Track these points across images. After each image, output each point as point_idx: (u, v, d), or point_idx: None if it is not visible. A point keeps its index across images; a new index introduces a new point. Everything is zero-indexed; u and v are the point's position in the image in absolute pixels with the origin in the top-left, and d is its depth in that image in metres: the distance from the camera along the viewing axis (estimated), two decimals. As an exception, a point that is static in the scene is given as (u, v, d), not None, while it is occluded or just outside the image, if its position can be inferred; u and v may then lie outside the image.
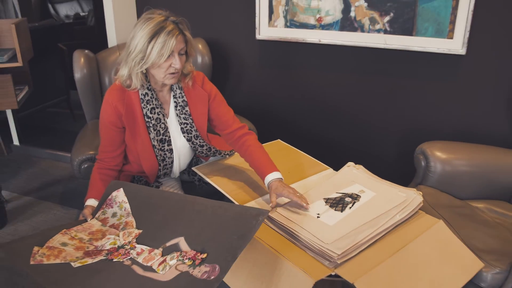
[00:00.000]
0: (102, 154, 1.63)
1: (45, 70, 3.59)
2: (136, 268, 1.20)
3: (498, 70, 2.05)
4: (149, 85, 1.58)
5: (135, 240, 1.32)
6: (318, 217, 1.38)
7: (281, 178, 1.51)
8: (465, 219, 1.70)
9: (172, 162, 1.71)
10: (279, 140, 2.03)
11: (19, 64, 2.33)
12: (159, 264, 1.19)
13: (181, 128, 1.68)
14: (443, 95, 2.19)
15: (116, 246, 1.31)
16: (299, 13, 2.29)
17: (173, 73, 1.51)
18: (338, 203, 1.44)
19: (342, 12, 2.20)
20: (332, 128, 2.52)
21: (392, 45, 2.15)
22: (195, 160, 1.88)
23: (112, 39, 2.66)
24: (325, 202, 1.46)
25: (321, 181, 1.64)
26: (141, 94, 1.57)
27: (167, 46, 1.43)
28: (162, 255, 1.22)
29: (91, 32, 4.78)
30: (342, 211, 1.40)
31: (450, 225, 1.60)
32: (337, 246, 1.22)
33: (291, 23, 2.33)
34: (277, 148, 1.94)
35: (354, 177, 1.62)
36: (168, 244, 1.25)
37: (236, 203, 1.51)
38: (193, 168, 1.77)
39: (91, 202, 1.55)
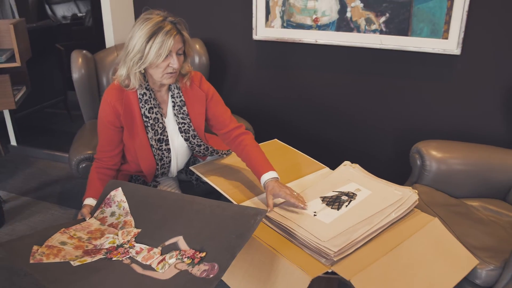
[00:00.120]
0: (100, 153, 1.64)
1: (42, 70, 3.59)
2: (135, 266, 1.21)
3: (493, 70, 2.07)
4: (147, 85, 1.59)
5: (134, 239, 1.32)
6: (314, 215, 1.39)
7: (277, 178, 1.51)
8: (460, 217, 1.72)
9: (169, 161, 1.72)
10: (276, 139, 2.04)
11: (17, 64, 2.33)
12: (158, 263, 1.20)
13: (179, 128, 1.69)
14: (438, 95, 2.21)
15: (115, 245, 1.32)
16: (296, 14, 2.31)
17: (171, 73, 1.52)
18: (334, 202, 1.46)
19: (338, 12, 2.22)
20: (329, 127, 2.54)
21: (387, 46, 2.17)
22: (192, 159, 1.89)
23: (109, 40, 2.67)
24: (322, 200, 1.47)
25: (318, 180, 1.65)
26: (140, 94, 1.58)
27: (165, 46, 1.44)
28: (161, 254, 1.23)
29: (88, 32, 4.78)
30: (338, 209, 1.41)
31: (445, 223, 1.62)
32: (334, 244, 1.23)
33: (287, 24, 2.35)
34: (274, 148, 1.96)
35: (350, 175, 1.63)
36: (167, 243, 1.26)
37: (234, 202, 1.52)
38: (191, 168, 1.78)
39: (90, 201, 1.55)
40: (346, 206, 1.43)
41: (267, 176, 1.51)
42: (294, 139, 2.16)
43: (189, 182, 1.91)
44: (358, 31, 2.21)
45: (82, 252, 1.29)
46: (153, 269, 1.18)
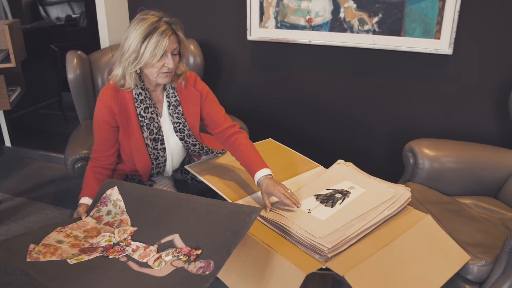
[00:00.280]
0: (96, 153, 1.65)
1: (37, 71, 3.59)
2: (132, 264, 1.22)
3: (484, 70, 2.10)
4: (143, 85, 1.60)
5: (130, 237, 1.33)
6: (309, 212, 1.40)
7: (271, 175, 1.52)
8: (452, 215, 1.74)
9: (165, 161, 1.73)
10: (270, 139, 2.06)
11: (12, 64, 2.33)
12: (155, 260, 1.21)
13: (174, 127, 1.70)
14: (431, 94, 2.24)
15: (111, 243, 1.33)
16: (290, 14, 2.33)
17: (166, 73, 1.53)
18: (328, 199, 1.47)
19: (332, 13, 2.24)
20: (322, 127, 2.55)
21: (380, 46, 2.19)
22: (187, 158, 1.90)
23: (104, 40, 2.67)
24: (316, 198, 1.49)
25: (312, 178, 1.66)
26: (135, 94, 1.59)
27: (160, 46, 1.45)
28: (158, 252, 1.24)
29: (83, 33, 4.78)
30: (332, 206, 1.43)
31: (438, 220, 1.64)
32: (328, 240, 1.25)
33: (281, 24, 2.37)
34: (269, 147, 1.97)
35: (344, 174, 1.65)
36: (163, 241, 1.27)
37: (229, 200, 1.53)
38: (186, 167, 1.79)
39: (85, 200, 1.56)
40: (340, 203, 1.45)
41: (260, 173, 1.52)
42: (289, 139, 2.17)
43: (184, 181, 1.92)
44: (351, 31, 2.23)
45: (78, 250, 1.29)
46: (149, 267, 1.19)
